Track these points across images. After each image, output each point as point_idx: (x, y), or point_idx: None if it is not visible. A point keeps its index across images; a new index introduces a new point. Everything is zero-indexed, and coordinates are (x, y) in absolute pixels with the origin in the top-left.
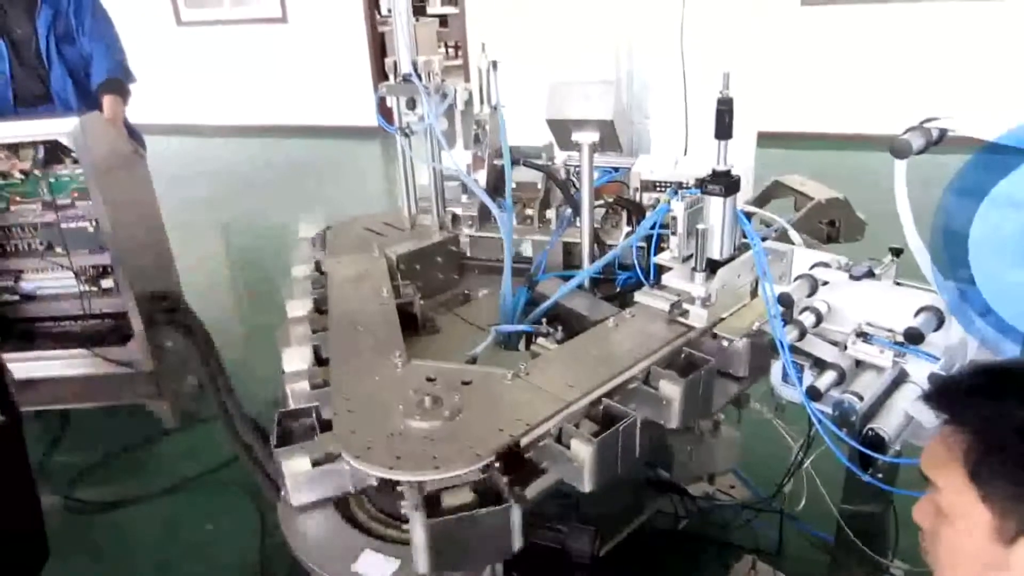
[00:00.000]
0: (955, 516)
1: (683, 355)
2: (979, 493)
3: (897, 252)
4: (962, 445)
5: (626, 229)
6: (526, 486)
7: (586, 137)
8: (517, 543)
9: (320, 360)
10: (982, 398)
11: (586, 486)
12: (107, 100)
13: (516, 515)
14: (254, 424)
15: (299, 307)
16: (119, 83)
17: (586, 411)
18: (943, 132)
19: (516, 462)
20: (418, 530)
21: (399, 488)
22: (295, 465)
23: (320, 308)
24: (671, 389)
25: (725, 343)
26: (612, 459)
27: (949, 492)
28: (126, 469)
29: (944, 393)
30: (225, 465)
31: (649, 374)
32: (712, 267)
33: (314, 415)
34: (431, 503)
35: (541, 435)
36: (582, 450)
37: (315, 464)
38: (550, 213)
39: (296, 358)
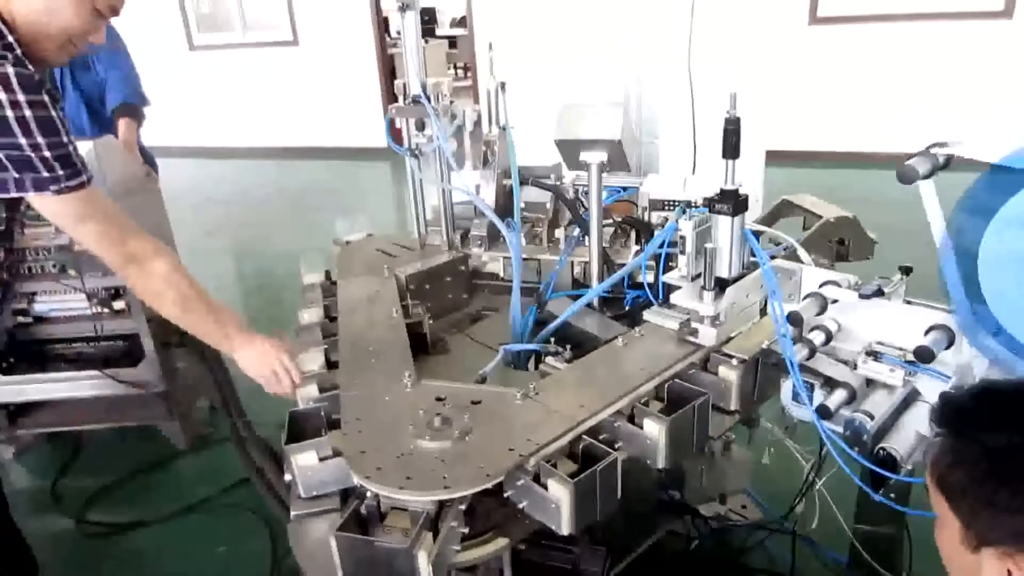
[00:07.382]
0: (941, 519)
1: (672, 388)
2: (947, 502)
3: (907, 270)
4: (935, 454)
5: (635, 248)
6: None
7: (594, 157)
8: None
9: (330, 364)
10: (966, 413)
11: (564, 528)
12: (122, 123)
13: None
14: (266, 446)
15: (311, 315)
16: (134, 107)
17: (565, 450)
18: (949, 157)
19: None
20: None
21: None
22: (303, 459)
23: (331, 315)
24: (655, 428)
25: (717, 375)
26: (591, 500)
27: (933, 497)
28: (138, 491)
29: (941, 406)
30: (237, 487)
31: (634, 411)
32: (721, 286)
33: (323, 415)
34: None
35: (518, 473)
36: (559, 491)
37: (322, 460)
38: (559, 232)
39: (307, 362)
